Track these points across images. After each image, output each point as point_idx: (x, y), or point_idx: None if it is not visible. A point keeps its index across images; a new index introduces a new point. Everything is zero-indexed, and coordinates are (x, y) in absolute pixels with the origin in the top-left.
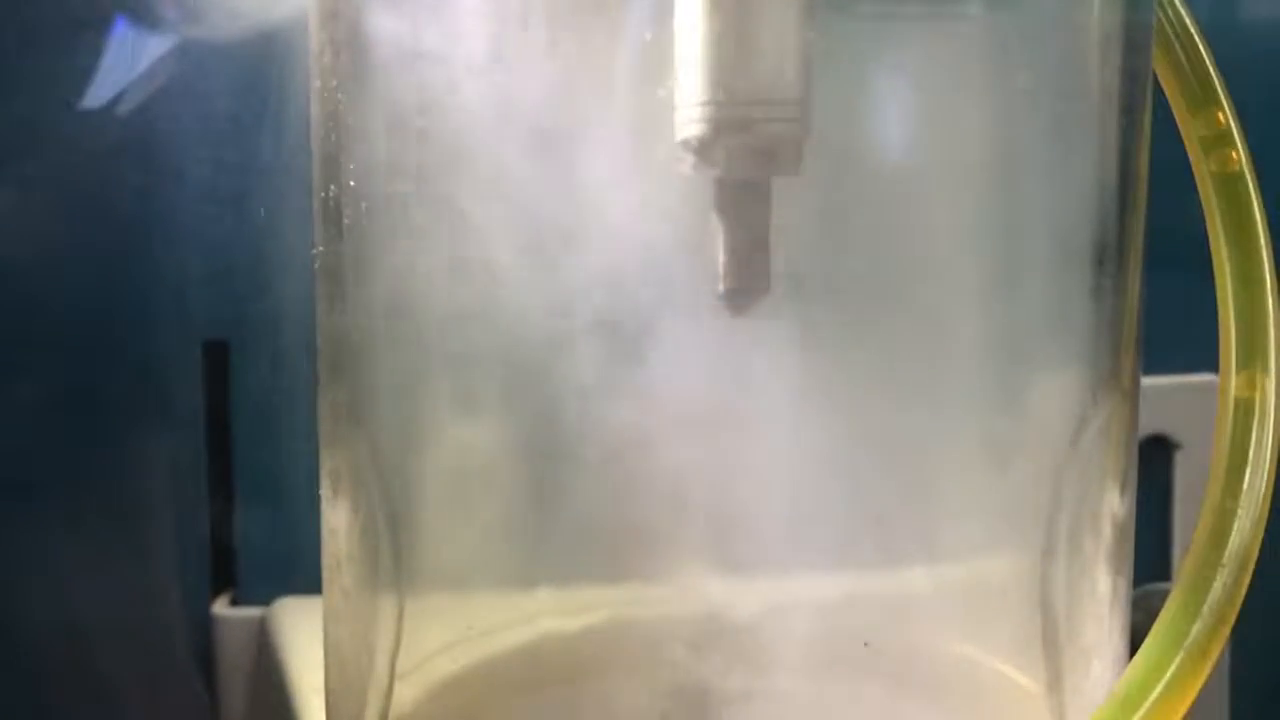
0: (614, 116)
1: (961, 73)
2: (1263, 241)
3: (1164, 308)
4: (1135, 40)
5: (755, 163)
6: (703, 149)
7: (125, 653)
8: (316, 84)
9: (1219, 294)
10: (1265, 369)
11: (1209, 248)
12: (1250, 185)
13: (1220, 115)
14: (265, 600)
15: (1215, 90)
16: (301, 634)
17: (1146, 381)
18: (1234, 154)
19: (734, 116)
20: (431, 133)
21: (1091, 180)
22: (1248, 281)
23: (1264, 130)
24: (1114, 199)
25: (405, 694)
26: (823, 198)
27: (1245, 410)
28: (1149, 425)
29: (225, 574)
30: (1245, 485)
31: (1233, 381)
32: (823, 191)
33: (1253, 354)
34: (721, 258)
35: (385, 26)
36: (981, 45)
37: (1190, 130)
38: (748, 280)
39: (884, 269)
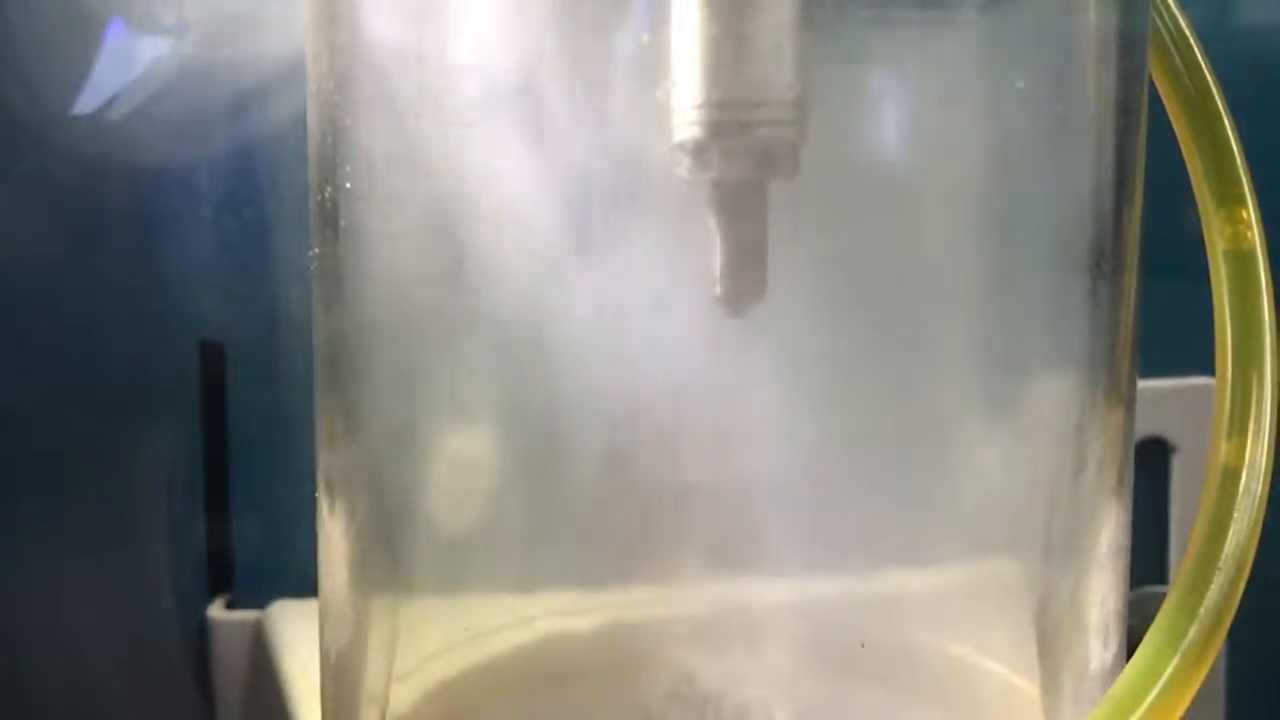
0: (611, 118)
1: (958, 75)
2: (1258, 245)
3: (1161, 310)
4: (1131, 43)
5: (751, 165)
6: (699, 151)
7: (121, 656)
8: (313, 86)
9: (1215, 295)
10: (1260, 370)
11: (1204, 248)
12: (1260, 263)
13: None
14: (261, 603)
15: (1215, 103)
16: (298, 637)
17: (1143, 384)
18: (1248, 233)
19: (730, 119)
20: (428, 135)
21: (1088, 182)
22: (1243, 282)
23: (1262, 131)
24: (1110, 201)
25: (402, 697)
26: (819, 200)
27: (1242, 411)
28: (1146, 427)
29: (221, 577)
30: (1242, 488)
31: (1229, 383)
32: (819, 194)
33: (1248, 354)
34: (718, 260)
35: (382, 29)
36: (978, 48)
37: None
38: (744, 283)
39: (880, 272)
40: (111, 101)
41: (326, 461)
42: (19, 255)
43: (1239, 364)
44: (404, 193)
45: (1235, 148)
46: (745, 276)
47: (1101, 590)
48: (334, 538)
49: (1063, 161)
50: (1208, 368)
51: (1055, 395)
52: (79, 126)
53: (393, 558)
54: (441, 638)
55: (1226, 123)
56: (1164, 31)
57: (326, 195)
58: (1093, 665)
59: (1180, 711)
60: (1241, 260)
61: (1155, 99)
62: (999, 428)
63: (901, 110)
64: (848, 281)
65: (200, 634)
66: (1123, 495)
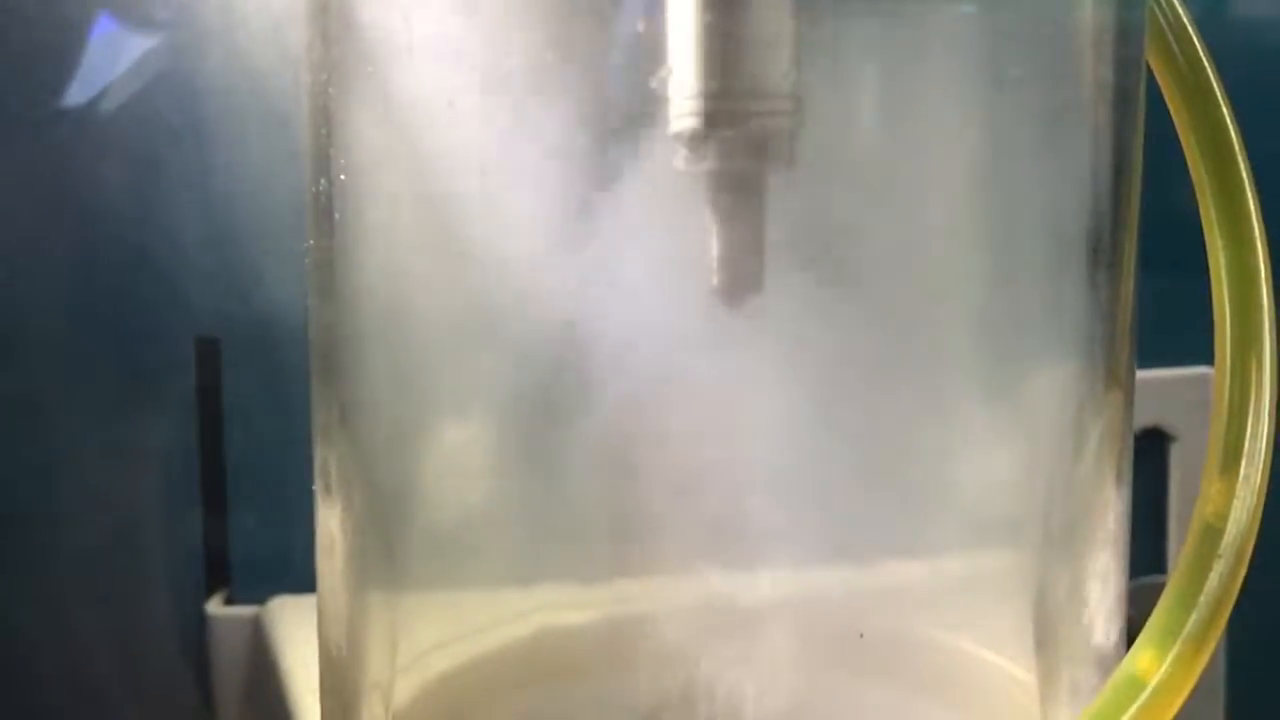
0: (606, 108)
1: (955, 65)
2: (1256, 234)
3: (1159, 300)
4: (1128, 32)
5: (748, 156)
6: (695, 142)
7: (119, 652)
8: (307, 79)
9: (1213, 285)
10: (1259, 359)
11: (1203, 239)
12: (1259, 252)
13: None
14: (259, 599)
15: (1214, 93)
16: (296, 632)
17: (1142, 374)
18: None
19: (726, 110)
20: (422, 126)
21: (1085, 172)
22: (1242, 272)
23: (1260, 124)
24: (1108, 190)
25: (401, 690)
26: (816, 192)
27: (1240, 401)
28: (1144, 417)
29: (219, 573)
30: (1241, 477)
31: (1228, 373)
32: (816, 185)
33: (1247, 344)
34: (715, 252)
35: (376, 20)
36: (975, 37)
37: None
38: (741, 275)
39: (878, 263)
40: (105, 95)
41: (323, 455)
42: (15, 251)
43: (1238, 353)
44: (398, 185)
45: (1234, 138)
46: (742, 268)
47: (1100, 580)
48: (331, 532)
49: (1061, 150)
50: (1207, 358)
51: (1054, 385)
52: (71, 120)
53: (390, 551)
54: (440, 632)
55: (1225, 112)
56: (1162, 20)
57: (321, 188)
58: (1091, 655)
59: (1180, 701)
60: (1240, 250)
61: (1155, 89)
62: (998, 417)
63: (898, 100)
64: (845, 272)
65: (199, 630)
66: (1122, 485)
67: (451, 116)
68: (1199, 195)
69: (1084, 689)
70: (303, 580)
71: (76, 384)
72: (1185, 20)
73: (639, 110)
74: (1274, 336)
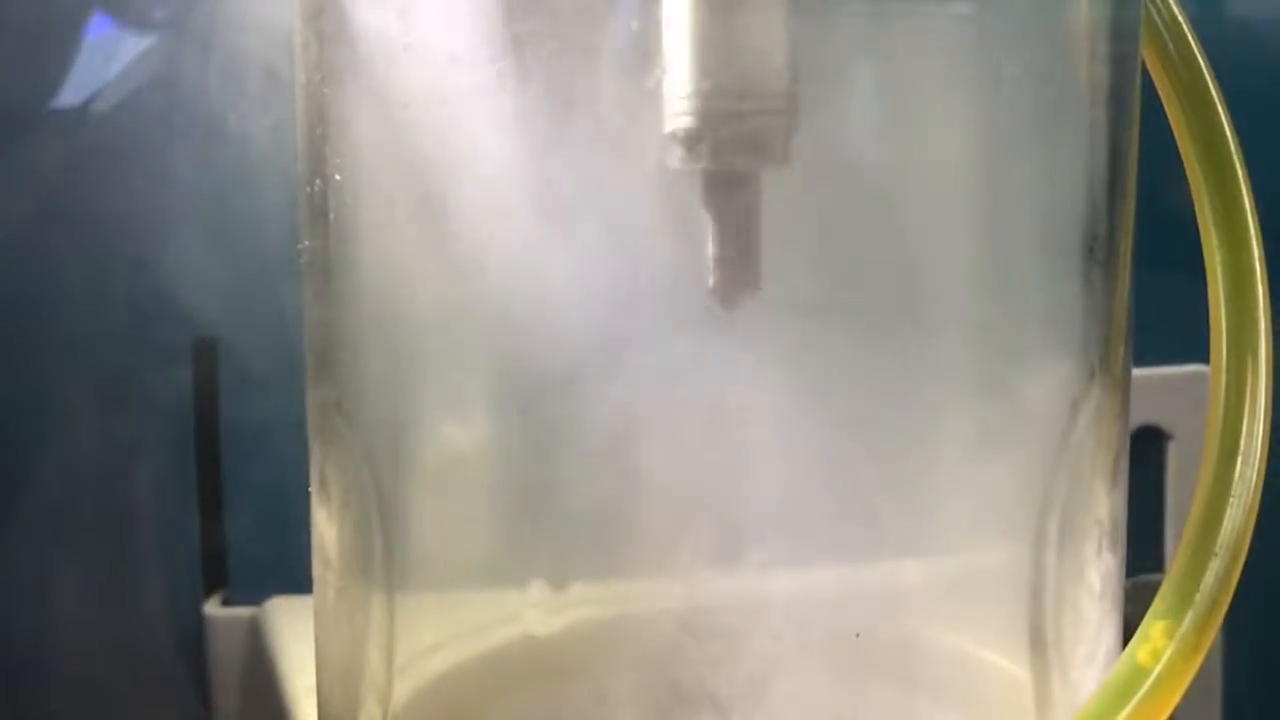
0: (602, 108)
1: (950, 63)
2: (1252, 232)
3: (1155, 298)
4: (1124, 30)
5: (743, 155)
6: (690, 141)
7: (117, 653)
8: (301, 78)
9: (1209, 283)
10: (1255, 358)
11: (1199, 239)
12: (1255, 249)
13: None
14: (257, 600)
15: (1210, 92)
16: (293, 633)
17: (1138, 372)
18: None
19: (721, 108)
20: (417, 126)
21: (1081, 169)
22: (1238, 271)
23: (1255, 123)
24: (1103, 188)
25: (398, 692)
26: (811, 191)
27: (1236, 399)
28: (1141, 416)
29: (217, 573)
30: (1237, 474)
31: (1224, 371)
32: (811, 184)
33: (1243, 345)
34: (711, 252)
35: (371, 19)
36: (969, 35)
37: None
38: (738, 274)
39: (874, 261)
40: (101, 96)
41: (318, 455)
42: (13, 251)
43: (1234, 350)
44: (392, 184)
45: (1230, 136)
46: (739, 268)
47: (1096, 578)
48: (328, 533)
49: (1056, 149)
50: (1202, 356)
51: (1049, 383)
52: (68, 121)
53: (387, 552)
54: (436, 633)
55: (1221, 111)
56: (1157, 19)
57: (315, 187)
58: (1088, 653)
59: (1176, 699)
60: (1236, 250)
61: (1151, 87)
62: (993, 416)
63: (894, 99)
64: (841, 271)
65: (197, 631)
66: (1118, 482)
67: (446, 115)
68: (1195, 194)
69: (1081, 687)
70: (300, 581)
71: (74, 384)
72: (1181, 19)
73: (634, 109)
74: (1270, 336)
